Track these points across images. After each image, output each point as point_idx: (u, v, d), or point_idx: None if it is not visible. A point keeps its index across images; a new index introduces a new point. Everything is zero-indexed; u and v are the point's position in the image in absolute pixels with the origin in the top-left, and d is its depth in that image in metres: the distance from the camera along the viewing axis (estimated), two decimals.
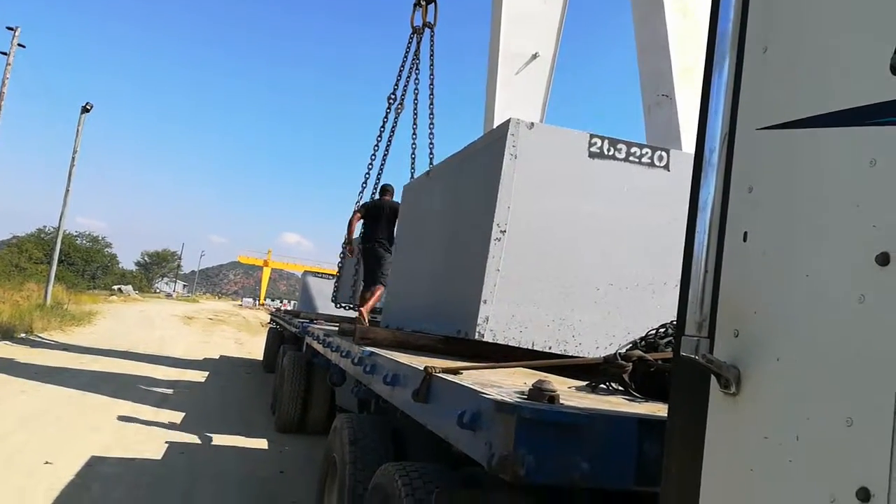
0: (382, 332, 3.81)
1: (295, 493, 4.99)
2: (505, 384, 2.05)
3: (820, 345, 0.98)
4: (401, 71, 9.67)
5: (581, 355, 3.07)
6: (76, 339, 15.61)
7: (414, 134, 9.54)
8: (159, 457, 5.67)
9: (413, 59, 9.65)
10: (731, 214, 1.18)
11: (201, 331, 24.23)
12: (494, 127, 3.62)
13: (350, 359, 3.47)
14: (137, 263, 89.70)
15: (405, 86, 9.64)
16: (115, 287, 53.81)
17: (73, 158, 23.83)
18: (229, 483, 5.14)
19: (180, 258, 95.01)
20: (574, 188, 3.16)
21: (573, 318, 3.13)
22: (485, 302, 3.05)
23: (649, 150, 3.26)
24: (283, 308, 27.24)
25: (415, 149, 9.53)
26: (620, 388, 2.21)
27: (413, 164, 9.52)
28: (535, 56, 10.30)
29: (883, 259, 0.90)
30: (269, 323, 15.52)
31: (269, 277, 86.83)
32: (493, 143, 3.28)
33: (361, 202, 9.05)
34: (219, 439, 6.60)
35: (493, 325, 3.05)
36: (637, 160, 3.23)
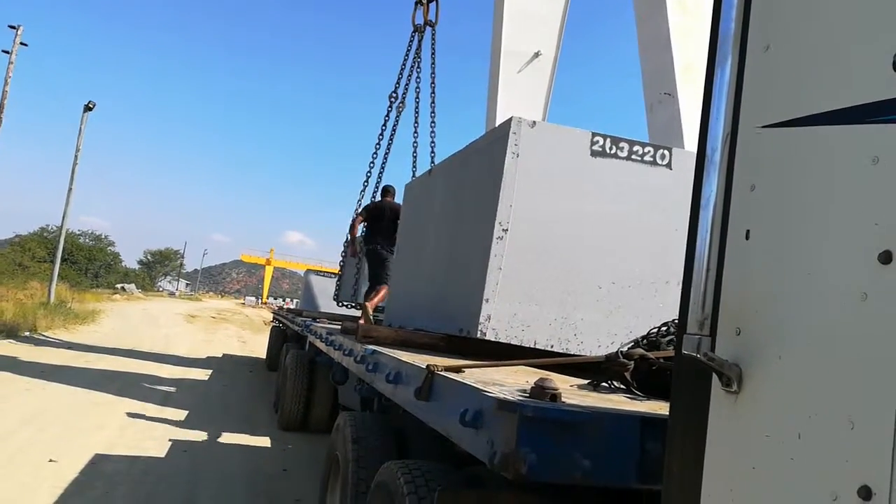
0: (385, 330, 3.82)
1: (298, 490, 5.00)
2: (507, 382, 2.06)
3: (822, 343, 0.98)
4: (402, 69, 9.67)
5: (583, 354, 3.07)
6: (80, 337, 15.65)
7: (415, 132, 9.53)
8: (163, 455, 5.69)
9: (414, 58, 9.64)
10: (733, 213, 1.18)
11: (204, 329, 24.28)
12: (496, 125, 3.62)
13: (353, 357, 3.47)
14: (140, 262, 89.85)
15: (406, 84, 9.64)
16: (119, 286, 53.92)
17: (76, 157, 23.88)
18: (233, 481, 5.15)
19: (183, 257, 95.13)
20: (576, 187, 3.16)
21: (575, 316, 3.13)
22: (487, 300, 3.05)
23: (651, 149, 3.26)
24: (285, 306, 27.28)
25: (416, 147, 9.53)
26: (622, 386, 2.21)
27: (414, 162, 9.52)
28: (536, 55, 10.29)
29: (885, 257, 0.90)
30: (272, 321, 15.54)
31: (272, 276, 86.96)
32: (495, 141, 3.28)
33: (362, 202, 9.08)
34: (222, 437, 6.62)
35: (495, 323, 3.06)
36: (639, 159, 3.23)
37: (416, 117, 9.55)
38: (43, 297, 22.34)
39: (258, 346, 17.31)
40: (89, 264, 52.65)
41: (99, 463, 5.17)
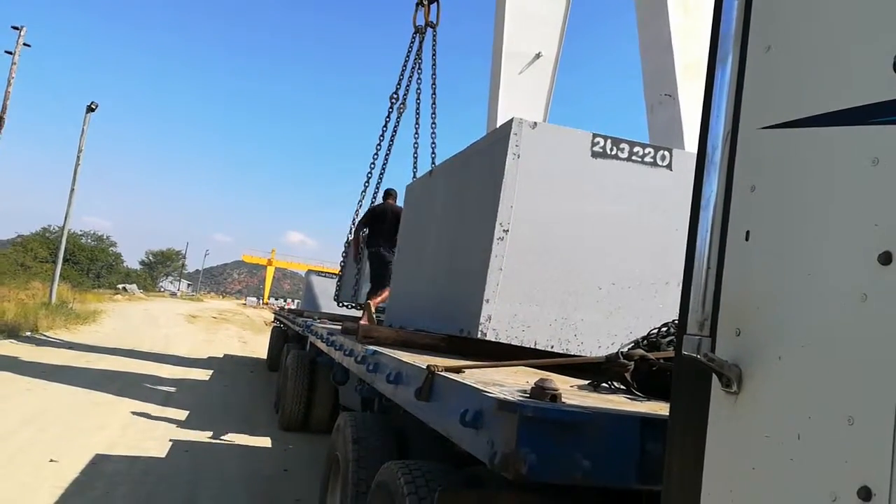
0: (385, 330, 3.82)
1: (298, 491, 5.01)
2: (507, 383, 2.06)
3: (821, 344, 0.98)
4: (403, 70, 9.67)
5: (583, 354, 3.07)
6: (81, 337, 15.66)
7: (416, 133, 9.53)
8: (164, 455, 5.69)
9: (415, 59, 9.64)
10: (734, 213, 1.19)
11: (205, 329, 24.29)
12: (497, 126, 3.62)
13: (353, 357, 3.48)
14: (142, 262, 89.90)
15: (407, 85, 9.64)
16: (120, 286, 53.96)
17: (79, 157, 23.88)
18: (233, 481, 5.16)
19: (184, 257, 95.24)
20: (577, 187, 3.17)
21: (575, 317, 3.13)
22: (487, 301, 3.05)
23: (652, 150, 3.26)
24: (286, 307, 27.31)
25: (417, 148, 9.53)
26: (622, 386, 2.21)
27: (415, 163, 9.52)
28: (538, 56, 10.30)
29: (885, 258, 0.90)
30: (273, 322, 15.55)
31: (273, 276, 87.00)
32: (496, 142, 3.29)
33: (363, 203, 9.11)
34: (223, 437, 6.63)
35: (496, 324, 3.06)
36: (640, 160, 3.23)
37: (417, 118, 9.54)
38: (45, 297, 22.37)
39: (259, 347, 17.32)
40: (91, 265, 52.70)
41: (99, 463, 5.17)
